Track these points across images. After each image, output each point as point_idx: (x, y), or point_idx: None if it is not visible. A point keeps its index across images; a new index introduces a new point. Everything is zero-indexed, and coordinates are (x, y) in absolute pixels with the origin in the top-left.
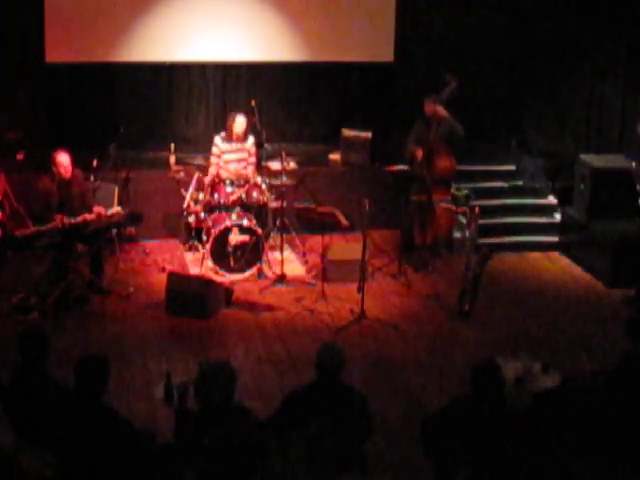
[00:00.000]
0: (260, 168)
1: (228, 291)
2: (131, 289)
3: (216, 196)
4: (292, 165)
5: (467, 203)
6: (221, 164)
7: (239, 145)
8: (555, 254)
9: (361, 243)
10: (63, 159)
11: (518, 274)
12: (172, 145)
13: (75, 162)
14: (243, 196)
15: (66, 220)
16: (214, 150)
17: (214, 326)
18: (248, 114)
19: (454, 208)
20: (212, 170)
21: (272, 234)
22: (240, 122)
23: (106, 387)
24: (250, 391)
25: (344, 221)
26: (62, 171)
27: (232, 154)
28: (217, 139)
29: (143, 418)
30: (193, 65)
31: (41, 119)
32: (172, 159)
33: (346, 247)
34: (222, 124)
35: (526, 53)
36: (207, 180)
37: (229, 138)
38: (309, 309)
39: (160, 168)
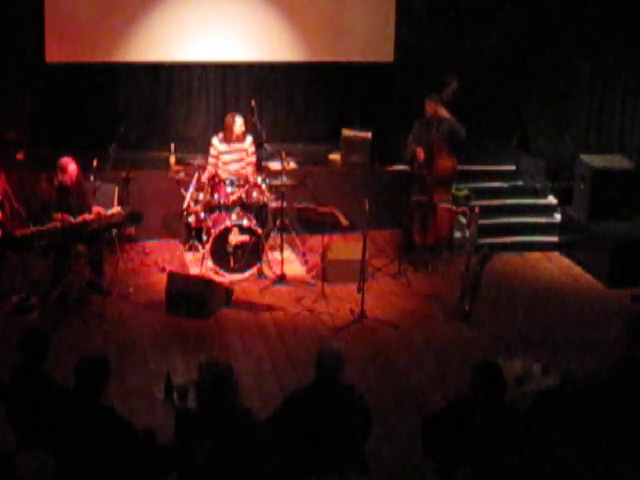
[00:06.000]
0: (260, 168)
1: (228, 291)
2: (131, 289)
3: (216, 196)
4: (292, 165)
5: (467, 203)
6: (220, 165)
7: (237, 145)
8: (555, 254)
9: (361, 243)
10: (71, 168)
11: (518, 274)
12: (172, 145)
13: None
14: (243, 196)
15: (66, 220)
16: (212, 151)
17: (214, 326)
18: (248, 114)
19: (454, 208)
20: (210, 169)
21: (272, 234)
22: (240, 123)
23: (106, 387)
24: (250, 391)
25: (344, 221)
26: (67, 179)
27: (231, 155)
28: (215, 140)
29: (143, 418)
30: (193, 65)
31: (41, 119)
32: (172, 159)
33: (346, 247)
34: (222, 124)
35: (526, 53)
36: (204, 178)
37: (228, 139)
38: (309, 309)
39: (160, 168)
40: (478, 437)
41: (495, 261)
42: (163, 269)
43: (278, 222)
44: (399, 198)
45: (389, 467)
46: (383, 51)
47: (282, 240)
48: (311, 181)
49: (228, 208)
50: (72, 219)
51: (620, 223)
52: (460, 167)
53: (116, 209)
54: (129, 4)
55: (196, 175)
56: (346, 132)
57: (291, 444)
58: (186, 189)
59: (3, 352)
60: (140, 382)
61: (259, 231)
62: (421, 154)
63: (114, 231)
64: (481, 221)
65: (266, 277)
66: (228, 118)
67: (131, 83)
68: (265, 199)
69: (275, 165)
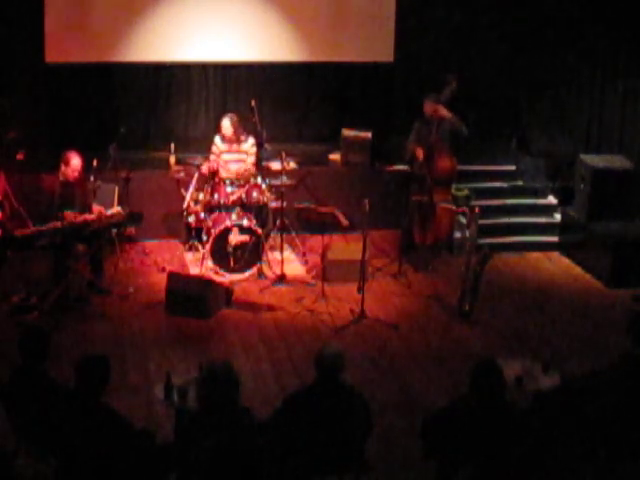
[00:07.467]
0: (260, 168)
1: (228, 291)
2: (131, 289)
3: (216, 196)
4: (292, 165)
5: (467, 203)
6: (221, 164)
7: (236, 147)
8: (555, 254)
9: (361, 243)
10: (75, 162)
11: (518, 274)
12: (172, 145)
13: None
14: (243, 196)
15: (70, 218)
16: (213, 149)
17: (214, 326)
18: (248, 114)
19: (454, 208)
20: (211, 159)
21: (272, 234)
22: (225, 125)
23: (106, 387)
24: (250, 391)
25: (344, 221)
26: (70, 172)
27: (230, 154)
28: (217, 139)
29: (143, 418)
30: (193, 65)
31: (41, 119)
32: (172, 159)
33: (346, 247)
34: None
35: (526, 53)
36: (203, 170)
37: (225, 140)
38: (309, 309)
39: (160, 168)
40: (478, 437)
41: (495, 261)
42: (163, 269)
43: (278, 222)
44: (399, 198)
45: (389, 467)
46: (383, 51)
47: (282, 240)
48: (311, 181)
49: (228, 208)
50: (76, 217)
51: (620, 223)
52: (460, 167)
53: (116, 209)
54: (129, 4)
55: (196, 175)
56: (346, 132)
57: (291, 444)
58: (186, 189)
59: (3, 352)
60: (140, 382)
61: (259, 231)
62: (420, 154)
63: (114, 231)
64: (481, 221)
65: (266, 277)
66: (219, 120)
67: (131, 83)
68: (265, 199)
69: (275, 165)
